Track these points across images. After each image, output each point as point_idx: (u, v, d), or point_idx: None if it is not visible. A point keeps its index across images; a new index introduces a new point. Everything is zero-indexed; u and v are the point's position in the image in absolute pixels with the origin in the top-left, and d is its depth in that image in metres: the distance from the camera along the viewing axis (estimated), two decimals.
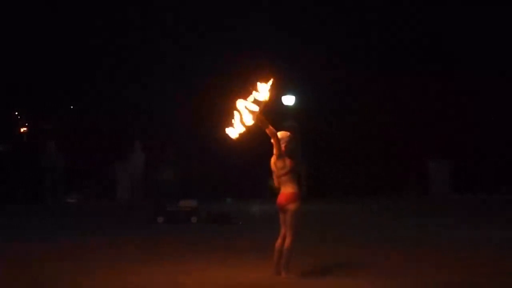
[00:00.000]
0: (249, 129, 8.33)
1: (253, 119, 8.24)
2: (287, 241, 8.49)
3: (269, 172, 8.75)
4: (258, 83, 8.28)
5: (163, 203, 16.15)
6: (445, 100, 25.62)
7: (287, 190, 8.50)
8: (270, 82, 8.32)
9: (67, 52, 27.41)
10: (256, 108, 8.22)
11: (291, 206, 8.46)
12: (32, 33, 26.91)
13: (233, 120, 8.31)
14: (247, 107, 8.23)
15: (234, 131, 8.34)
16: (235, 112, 8.27)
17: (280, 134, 8.58)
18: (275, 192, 8.76)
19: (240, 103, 8.24)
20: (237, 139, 8.33)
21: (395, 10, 26.43)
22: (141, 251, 11.29)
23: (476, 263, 9.65)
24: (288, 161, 8.52)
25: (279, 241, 8.62)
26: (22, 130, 32.15)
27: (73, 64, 27.54)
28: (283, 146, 8.53)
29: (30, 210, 18.88)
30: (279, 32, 25.95)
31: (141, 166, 21.76)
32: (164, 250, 11.42)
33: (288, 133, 8.73)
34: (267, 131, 8.38)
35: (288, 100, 24.56)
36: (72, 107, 31.32)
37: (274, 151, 8.53)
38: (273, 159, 8.62)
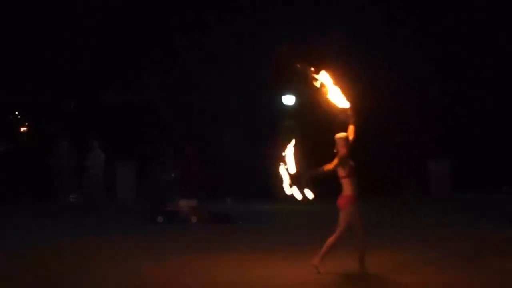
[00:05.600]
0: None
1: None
2: (334, 235, 8.76)
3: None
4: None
5: (163, 203, 16.15)
6: (445, 100, 25.65)
7: (344, 193, 8.78)
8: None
9: (65, 52, 27.41)
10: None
11: (345, 208, 8.73)
12: (32, 33, 26.92)
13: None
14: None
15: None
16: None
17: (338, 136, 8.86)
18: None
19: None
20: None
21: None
22: (141, 250, 11.31)
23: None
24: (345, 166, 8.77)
25: (356, 239, 8.86)
26: (22, 130, 32.14)
27: (73, 63, 27.54)
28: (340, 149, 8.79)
29: (37, 210, 18.89)
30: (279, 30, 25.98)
31: (101, 165, 21.60)
32: (164, 250, 11.43)
33: (342, 136, 8.88)
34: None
35: (288, 100, 24.58)
36: (72, 106, 31.31)
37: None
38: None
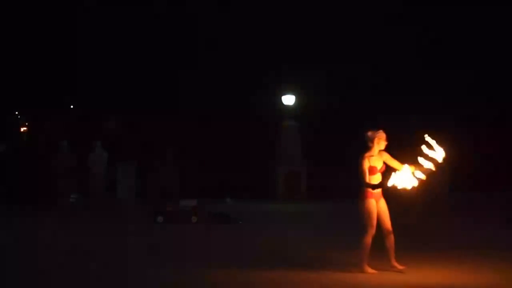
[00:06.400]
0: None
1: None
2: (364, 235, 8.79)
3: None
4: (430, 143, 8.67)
5: (163, 203, 16.15)
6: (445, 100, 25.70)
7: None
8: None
9: (66, 52, 27.46)
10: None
11: (362, 203, 8.78)
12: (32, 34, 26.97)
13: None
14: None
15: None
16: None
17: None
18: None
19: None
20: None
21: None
22: (140, 251, 11.32)
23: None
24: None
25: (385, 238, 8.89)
26: (22, 130, 32.20)
27: (74, 63, 27.58)
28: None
29: (37, 210, 18.88)
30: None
31: (103, 165, 21.60)
32: (164, 250, 11.44)
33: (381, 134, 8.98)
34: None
35: (288, 100, 24.60)
36: (72, 106, 31.38)
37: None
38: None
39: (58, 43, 27.46)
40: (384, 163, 8.89)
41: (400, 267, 8.92)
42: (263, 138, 25.63)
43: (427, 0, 26.52)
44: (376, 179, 8.81)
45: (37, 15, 27.11)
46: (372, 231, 8.75)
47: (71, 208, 20.14)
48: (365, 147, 8.95)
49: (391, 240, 8.88)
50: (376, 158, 8.89)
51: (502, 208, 18.04)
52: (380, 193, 8.84)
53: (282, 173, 23.63)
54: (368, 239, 8.76)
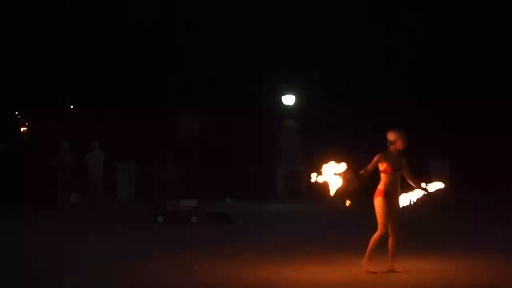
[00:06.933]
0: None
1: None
2: (376, 233, 8.77)
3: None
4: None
5: (163, 203, 16.16)
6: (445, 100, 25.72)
7: (378, 186, 8.86)
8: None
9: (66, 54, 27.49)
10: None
11: (374, 200, 8.81)
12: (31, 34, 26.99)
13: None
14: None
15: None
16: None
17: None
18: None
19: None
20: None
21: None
22: (141, 251, 11.31)
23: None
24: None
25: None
26: (22, 130, 32.20)
27: (74, 64, 27.60)
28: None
29: (37, 210, 18.88)
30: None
31: (100, 166, 21.58)
32: (165, 250, 11.43)
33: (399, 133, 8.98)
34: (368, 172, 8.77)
35: (288, 100, 24.61)
36: (72, 106, 31.37)
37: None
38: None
39: (58, 43, 27.47)
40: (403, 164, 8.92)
41: (398, 269, 8.89)
42: (263, 138, 25.65)
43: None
44: (390, 178, 8.79)
45: (37, 15, 27.13)
46: (383, 229, 8.72)
47: (71, 208, 20.15)
48: (386, 146, 8.97)
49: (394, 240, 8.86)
50: (395, 158, 8.86)
51: (502, 208, 18.05)
52: (396, 192, 8.85)
53: (282, 173, 23.63)
54: (377, 237, 8.76)
